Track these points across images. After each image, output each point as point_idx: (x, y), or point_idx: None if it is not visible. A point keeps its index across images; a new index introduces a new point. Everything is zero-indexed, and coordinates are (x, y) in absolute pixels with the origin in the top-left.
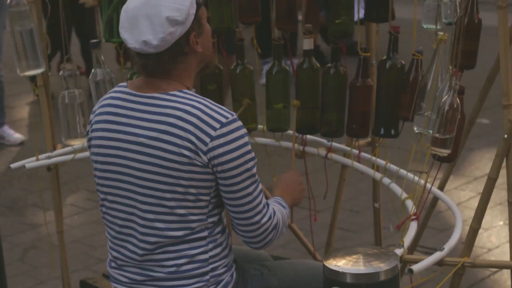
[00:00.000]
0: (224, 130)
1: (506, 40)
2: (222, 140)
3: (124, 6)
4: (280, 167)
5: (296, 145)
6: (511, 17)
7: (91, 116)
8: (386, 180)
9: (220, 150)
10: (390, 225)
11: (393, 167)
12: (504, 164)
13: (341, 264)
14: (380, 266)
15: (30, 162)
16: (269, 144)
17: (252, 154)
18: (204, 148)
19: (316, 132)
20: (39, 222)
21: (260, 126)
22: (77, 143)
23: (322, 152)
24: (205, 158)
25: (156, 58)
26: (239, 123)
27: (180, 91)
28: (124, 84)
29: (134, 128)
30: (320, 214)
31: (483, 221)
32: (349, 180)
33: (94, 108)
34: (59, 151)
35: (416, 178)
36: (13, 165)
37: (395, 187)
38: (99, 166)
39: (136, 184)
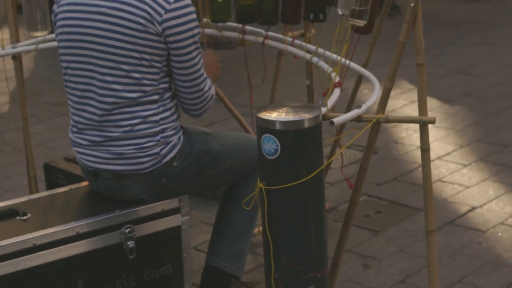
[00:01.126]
0: (177, 5)
1: None
2: (175, 13)
3: None
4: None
5: (236, 34)
6: None
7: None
8: (314, 59)
9: (173, 22)
10: (319, 100)
11: (321, 50)
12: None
13: (271, 115)
14: (305, 116)
15: None
16: (212, 34)
17: (199, 27)
18: (159, 19)
19: (254, 21)
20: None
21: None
22: (40, 34)
23: (260, 39)
24: (159, 28)
25: None
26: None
27: None
28: None
29: (97, 0)
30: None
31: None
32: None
33: None
34: (23, 42)
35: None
36: None
37: (323, 64)
38: (63, 37)
39: (97, 50)
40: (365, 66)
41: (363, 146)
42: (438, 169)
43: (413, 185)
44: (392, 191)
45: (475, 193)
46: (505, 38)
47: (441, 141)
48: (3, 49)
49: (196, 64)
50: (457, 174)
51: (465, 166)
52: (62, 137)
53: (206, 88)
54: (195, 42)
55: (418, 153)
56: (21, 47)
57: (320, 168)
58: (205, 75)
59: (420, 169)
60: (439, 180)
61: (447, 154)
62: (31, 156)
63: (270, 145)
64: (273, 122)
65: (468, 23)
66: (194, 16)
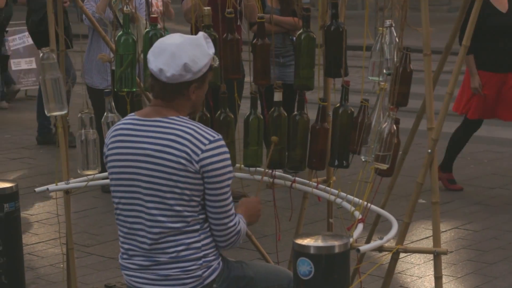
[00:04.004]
0: (212, 146)
1: (430, 80)
2: (210, 153)
3: (163, 38)
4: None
5: (266, 177)
6: (434, 64)
7: (106, 140)
8: (338, 200)
9: (208, 161)
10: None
11: (343, 194)
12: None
13: (306, 241)
14: (336, 243)
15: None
16: (245, 178)
17: (232, 169)
18: (197, 158)
19: (283, 167)
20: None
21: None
22: (91, 173)
23: (288, 183)
24: (197, 166)
25: (162, 85)
26: (223, 142)
27: (178, 117)
28: (132, 114)
29: (143, 143)
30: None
31: None
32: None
33: (108, 133)
34: (74, 179)
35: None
36: (37, 189)
37: (346, 204)
38: (114, 176)
39: (144, 187)
40: (383, 207)
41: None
42: None
43: None
44: None
45: None
46: None
47: None
48: (56, 185)
49: (225, 200)
50: None
51: None
52: (90, 274)
53: (231, 224)
54: (227, 179)
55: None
56: (73, 183)
57: None
58: (232, 212)
59: None
60: None
61: None
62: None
63: (305, 267)
64: (307, 247)
65: None
66: (227, 156)
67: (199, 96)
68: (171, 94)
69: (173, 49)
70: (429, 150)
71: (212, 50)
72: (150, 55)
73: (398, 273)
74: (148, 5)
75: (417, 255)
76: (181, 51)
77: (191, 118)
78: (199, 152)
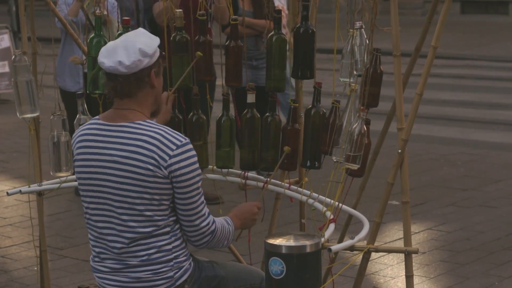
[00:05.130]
0: (179, 150)
1: (399, 80)
2: (178, 158)
3: (105, 45)
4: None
5: (239, 179)
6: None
7: (73, 145)
8: (310, 201)
9: (176, 166)
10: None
11: (315, 194)
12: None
13: (277, 241)
14: (307, 242)
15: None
16: (217, 179)
17: (200, 172)
18: (165, 164)
19: (256, 168)
20: None
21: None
22: (63, 175)
23: (260, 184)
24: (165, 172)
25: (125, 79)
26: (190, 146)
27: (144, 121)
28: (97, 117)
29: (109, 150)
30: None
31: None
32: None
33: (74, 137)
34: (48, 181)
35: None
36: (10, 191)
37: (318, 205)
38: (82, 181)
39: (113, 193)
40: (354, 207)
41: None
42: None
43: None
44: None
45: None
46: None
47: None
48: (29, 186)
49: (194, 202)
50: None
51: None
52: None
53: (204, 224)
54: (196, 183)
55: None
56: (46, 185)
57: None
58: (204, 212)
59: None
60: None
61: None
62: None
63: (277, 267)
64: (279, 247)
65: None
66: (195, 159)
67: (159, 85)
68: (135, 86)
69: (122, 44)
70: (399, 150)
71: (156, 37)
72: (102, 57)
73: (372, 274)
74: (121, 8)
75: (391, 256)
76: (130, 42)
77: (156, 116)
78: (166, 158)
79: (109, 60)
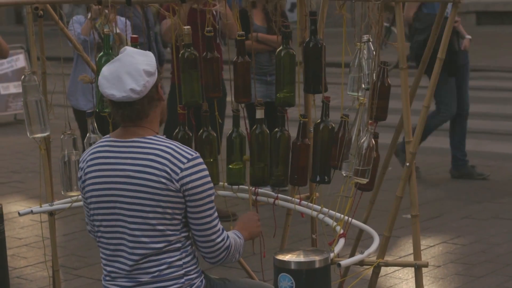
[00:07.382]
0: (190, 164)
1: (406, 92)
2: (189, 171)
3: (101, 74)
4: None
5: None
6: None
7: (82, 164)
8: (320, 216)
9: (188, 179)
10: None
11: (325, 209)
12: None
13: (287, 257)
14: (316, 258)
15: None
16: (228, 196)
17: (212, 185)
18: (176, 177)
19: (266, 184)
20: None
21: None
22: (74, 194)
23: (271, 200)
24: (177, 185)
25: (139, 103)
26: (201, 159)
27: (155, 136)
28: (107, 136)
29: (122, 165)
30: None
31: None
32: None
33: (84, 157)
34: (59, 201)
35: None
36: (21, 211)
37: (328, 220)
38: (94, 199)
39: (126, 208)
40: (365, 221)
41: None
42: None
43: None
44: None
45: None
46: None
47: None
48: (40, 206)
49: (208, 216)
50: None
51: None
52: None
53: (219, 240)
54: (209, 196)
55: None
56: (57, 205)
57: None
58: (219, 227)
59: None
60: None
61: None
62: None
63: (286, 283)
64: (288, 263)
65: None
66: (206, 173)
67: (163, 97)
68: (148, 107)
69: (124, 70)
70: (407, 164)
71: (148, 52)
72: (109, 89)
73: None
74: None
75: (405, 270)
76: (132, 66)
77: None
78: (178, 171)
79: (120, 91)
